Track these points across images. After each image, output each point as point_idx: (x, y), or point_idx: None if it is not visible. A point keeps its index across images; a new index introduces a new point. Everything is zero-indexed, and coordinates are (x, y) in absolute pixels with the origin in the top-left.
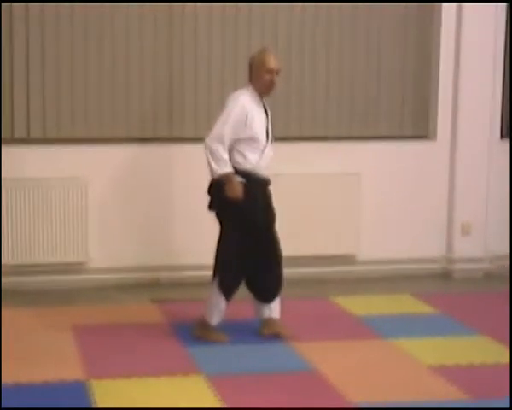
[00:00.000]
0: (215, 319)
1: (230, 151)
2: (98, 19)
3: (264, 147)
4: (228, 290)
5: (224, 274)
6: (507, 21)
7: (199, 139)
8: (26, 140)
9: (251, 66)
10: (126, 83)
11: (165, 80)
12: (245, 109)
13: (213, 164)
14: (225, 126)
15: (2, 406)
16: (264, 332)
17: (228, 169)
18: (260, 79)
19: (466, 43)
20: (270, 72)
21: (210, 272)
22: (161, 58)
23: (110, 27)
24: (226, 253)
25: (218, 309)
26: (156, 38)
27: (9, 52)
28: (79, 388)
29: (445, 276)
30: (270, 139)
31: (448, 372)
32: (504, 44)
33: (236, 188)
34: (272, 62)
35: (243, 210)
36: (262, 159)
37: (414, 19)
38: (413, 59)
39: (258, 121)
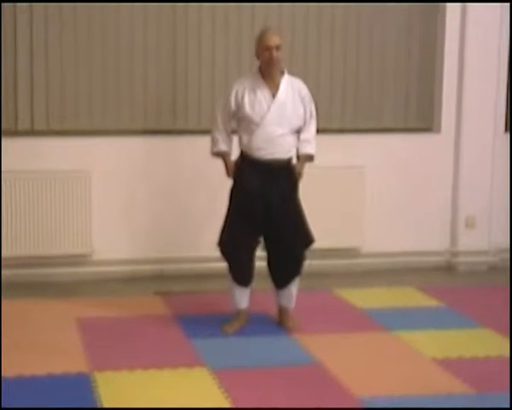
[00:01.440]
0: (232, 303)
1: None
2: (102, 11)
3: (258, 126)
4: (232, 269)
5: (222, 249)
6: None
7: (202, 131)
8: (30, 132)
9: (255, 49)
10: (130, 75)
11: (168, 73)
12: (233, 91)
13: (210, 143)
14: (217, 110)
15: (6, 398)
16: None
17: (218, 148)
18: (261, 58)
19: (471, 36)
20: (269, 48)
21: (214, 264)
22: (165, 50)
23: (114, 19)
24: (224, 226)
25: (231, 292)
26: (160, 30)
27: (13, 44)
28: (83, 380)
29: (449, 269)
30: (269, 118)
31: (452, 365)
32: (509, 38)
33: (227, 166)
34: (269, 39)
35: (234, 188)
36: (253, 139)
37: (419, 13)
38: (418, 52)
39: (252, 101)
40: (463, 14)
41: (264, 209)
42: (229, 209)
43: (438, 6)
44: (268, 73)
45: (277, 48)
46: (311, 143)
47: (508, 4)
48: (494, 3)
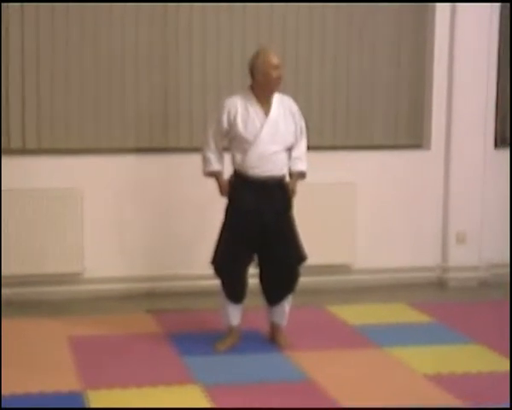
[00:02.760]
0: (224, 320)
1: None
2: (93, 30)
3: (251, 145)
4: (225, 287)
5: (216, 267)
6: (500, 31)
7: (194, 149)
8: (22, 151)
9: (252, 68)
10: (121, 93)
11: (160, 90)
12: (225, 110)
13: (202, 164)
14: (208, 129)
15: None
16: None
17: (211, 168)
18: (264, 77)
19: (460, 52)
20: (277, 67)
21: (206, 282)
22: (156, 69)
23: (105, 39)
24: (218, 244)
25: (223, 309)
26: (151, 46)
27: (5, 63)
28: (75, 398)
29: (441, 285)
30: (262, 137)
31: (444, 381)
32: (497, 52)
33: (220, 186)
34: (274, 58)
35: (228, 207)
36: (247, 157)
37: (407, 29)
38: (407, 69)
39: (245, 120)
40: (451, 29)
41: (259, 226)
42: (223, 227)
43: (426, 22)
44: (268, 91)
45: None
46: (302, 160)
47: (497, 8)
48: (483, 19)
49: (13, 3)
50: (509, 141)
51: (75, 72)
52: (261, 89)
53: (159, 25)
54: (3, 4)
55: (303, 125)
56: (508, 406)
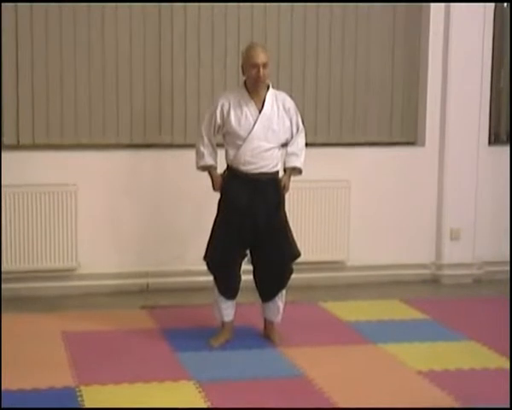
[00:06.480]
0: (217, 316)
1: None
2: (87, 26)
3: (244, 141)
4: (218, 282)
5: (209, 263)
6: (494, 27)
7: (188, 145)
8: (16, 147)
9: (242, 64)
10: (116, 90)
11: (154, 87)
12: (219, 105)
13: (195, 157)
14: (203, 123)
15: None
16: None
17: (204, 162)
18: (248, 74)
19: (454, 48)
20: (256, 65)
21: (199, 278)
22: (150, 65)
23: (99, 35)
24: (211, 240)
25: (216, 305)
26: (145, 43)
27: None
28: (69, 394)
29: (435, 281)
30: (255, 133)
31: (437, 377)
32: (492, 49)
33: (213, 181)
34: (256, 56)
35: (221, 202)
36: (240, 153)
37: (402, 25)
38: (401, 65)
39: (239, 116)
40: (446, 26)
41: (251, 223)
42: (215, 223)
43: (421, 18)
44: (254, 89)
45: (264, 65)
46: (297, 156)
47: (491, 6)
48: (477, 17)
49: (7, 3)
50: (502, 138)
51: (69, 68)
52: (249, 85)
53: (152, 21)
54: None
55: (299, 120)
56: (508, 406)
